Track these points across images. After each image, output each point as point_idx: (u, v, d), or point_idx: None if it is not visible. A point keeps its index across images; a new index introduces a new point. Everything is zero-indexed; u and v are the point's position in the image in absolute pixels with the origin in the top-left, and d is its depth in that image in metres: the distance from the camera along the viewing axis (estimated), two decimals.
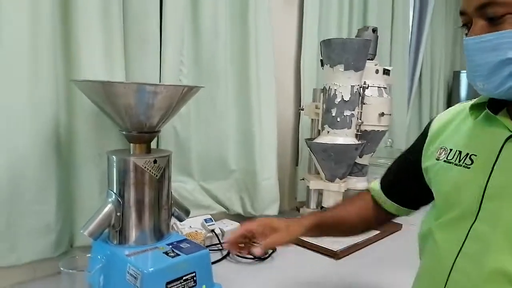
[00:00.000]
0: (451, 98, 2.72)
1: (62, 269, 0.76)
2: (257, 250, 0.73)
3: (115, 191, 0.84)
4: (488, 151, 0.59)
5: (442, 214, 0.65)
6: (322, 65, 1.28)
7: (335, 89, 1.22)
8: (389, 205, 0.83)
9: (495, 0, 0.53)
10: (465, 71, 2.64)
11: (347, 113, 1.22)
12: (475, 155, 0.61)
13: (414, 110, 2.40)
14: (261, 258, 1.12)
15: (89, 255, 0.83)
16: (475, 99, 0.66)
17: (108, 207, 0.83)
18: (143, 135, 0.86)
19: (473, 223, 0.58)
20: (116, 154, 0.85)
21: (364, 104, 1.27)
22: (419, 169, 0.74)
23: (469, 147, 0.63)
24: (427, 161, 0.72)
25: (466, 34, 0.57)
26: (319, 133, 1.31)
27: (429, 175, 0.71)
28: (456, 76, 2.70)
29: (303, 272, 1.07)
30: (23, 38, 0.84)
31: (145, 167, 0.83)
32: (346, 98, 1.21)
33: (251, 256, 1.12)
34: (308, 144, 1.30)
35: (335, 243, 1.19)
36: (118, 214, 0.83)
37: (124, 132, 0.86)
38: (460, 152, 0.64)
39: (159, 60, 1.12)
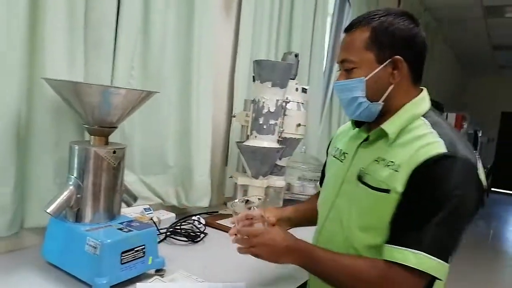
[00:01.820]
0: None
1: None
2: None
3: (75, 175, 0.97)
4: (352, 150, 0.93)
5: (322, 194, 1.02)
6: (254, 80, 1.52)
7: (263, 102, 1.47)
8: None
9: (346, 58, 0.83)
10: None
11: (272, 122, 1.48)
12: (347, 153, 0.94)
13: (325, 123, 2.77)
14: (193, 241, 1.31)
15: None
16: None
17: (69, 190, 0.96)
18: (104, 129, 1.01)
19: (335, 199, 0.92)
20: (78, 144, 0.98)
21: (285, 115, 1.54)
22: None
23: (345, 147, 0.97)
24: (327, 158, 1.07)
25: None
26: (247, 137, 1.55)
27: (325, 167, 1.07)
28: None
29: (228, 251, 1.27)
30: None
31: (105, 156, 0.98)
32: (272, 109, 1.47)
33: (186, 239, 1.31)
34: (238, 146, 1.53)
35: None
36: (78, 196, 0.97)
37: (86, 126, 1.00)
38: (341, 150, 0.97)
39: (112, 63, 1.26)
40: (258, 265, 1.12)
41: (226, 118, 1.83)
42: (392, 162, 0.79)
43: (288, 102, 1.54)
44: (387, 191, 0.78)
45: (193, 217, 1.44)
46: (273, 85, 1.46)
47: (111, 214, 1.02)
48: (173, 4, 1.41)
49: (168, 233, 1.33)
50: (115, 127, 1.04)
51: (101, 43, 1.20)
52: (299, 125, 1.64)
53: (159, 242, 1.26)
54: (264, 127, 1.48)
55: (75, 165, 0.98)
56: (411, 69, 0.81)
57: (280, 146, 1.53)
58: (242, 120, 1.61)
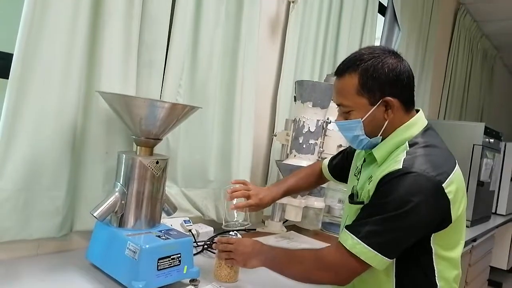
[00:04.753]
0: None
1: None
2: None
3: (121, 183, 1.04)
4: (358, 170, 1.03)
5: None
6: (295, 100, 1.55)
7: (304, 121, 1.49)
8: (329, 175, 1.29)
9: (341, 103, 0.93)
10: None
11: (311, 141, 1.49)
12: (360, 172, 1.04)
13: None
14: None
15: None
16: None
17: (115, 196, 1.02)
18: (149, 140, 1.07)
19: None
20: (125, 153, 1.05)
21: (326, 136, 1.54)
22: (348, 167, 1.16)
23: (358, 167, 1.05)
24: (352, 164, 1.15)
25: None
26: (287, 156, 1.56)
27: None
28: None
29: (262, 268, 1.27)
30: (59, 56, 1.05)
31: (149, 166, 1.04)
32: (312, 129, 1.48)
33: None
34: (277, 165, 1.54)
35: None
36: (123, 202, 1.03)
37: (134, 137, 1.06)
38: (358, 168, 1.05)
39: (161, 82, 1.34)
40: (292, 284, 1.11)
41: (268, 137, 1.86)
42: (371, 177, 0.91)
43: (329, 123, 1.54)
44: (362, 202, 0.92)
45: (231, 233, 1.46)
46: (313, 105, 1.47)
47: (152, 221, 1.07)
48: (221, 26, 1.49)
49: (206, 246, 1.35)
50: (160, 139, 1.10)
51: (153, 63, 1.29)
52: (340, 146, 1.62)
53: (197, 254, 1.29)
54: (304, 146, 1.49)
55: (122, 173, 1.04)
56: (402, 102, 0.90)
57: None
58: (282, 139, 1.63)
